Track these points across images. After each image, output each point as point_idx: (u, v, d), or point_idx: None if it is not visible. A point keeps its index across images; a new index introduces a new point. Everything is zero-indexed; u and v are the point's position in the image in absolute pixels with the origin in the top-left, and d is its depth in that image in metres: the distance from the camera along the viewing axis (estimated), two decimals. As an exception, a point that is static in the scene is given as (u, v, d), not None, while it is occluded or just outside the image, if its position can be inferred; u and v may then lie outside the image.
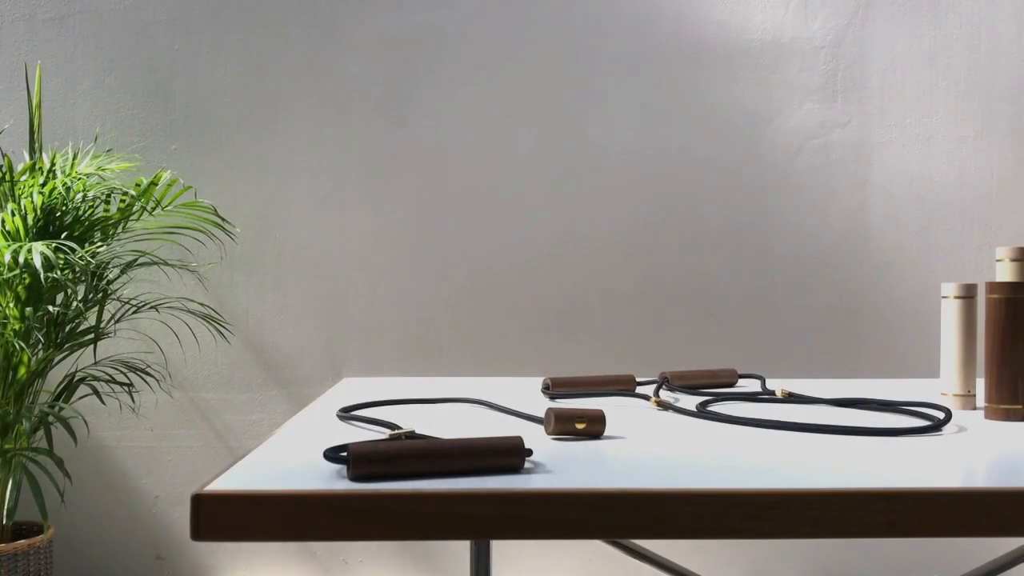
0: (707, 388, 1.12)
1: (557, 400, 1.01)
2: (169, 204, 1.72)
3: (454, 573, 1.99)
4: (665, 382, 1.10)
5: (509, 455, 0.59)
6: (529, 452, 0.62)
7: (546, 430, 0.74)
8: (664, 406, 0.93)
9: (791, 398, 1.02)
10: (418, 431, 0.71)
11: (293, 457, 0.67)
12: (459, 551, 1.99)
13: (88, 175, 1.64)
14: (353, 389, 1.14)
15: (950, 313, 0.96)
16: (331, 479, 0.58)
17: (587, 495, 0.56)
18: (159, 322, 1.85)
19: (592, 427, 0.74)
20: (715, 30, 2.06)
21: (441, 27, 2.01)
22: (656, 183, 2.04)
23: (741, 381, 1.21)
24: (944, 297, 0.97)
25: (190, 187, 1.76)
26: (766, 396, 1.04)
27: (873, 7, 2.07)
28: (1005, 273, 0.95)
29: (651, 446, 0.73)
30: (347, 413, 0.86)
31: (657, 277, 2.03)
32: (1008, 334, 0.87)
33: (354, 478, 0.57)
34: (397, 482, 0.57)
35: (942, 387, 0.98)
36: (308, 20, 2.00)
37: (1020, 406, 0.88)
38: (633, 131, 2.04)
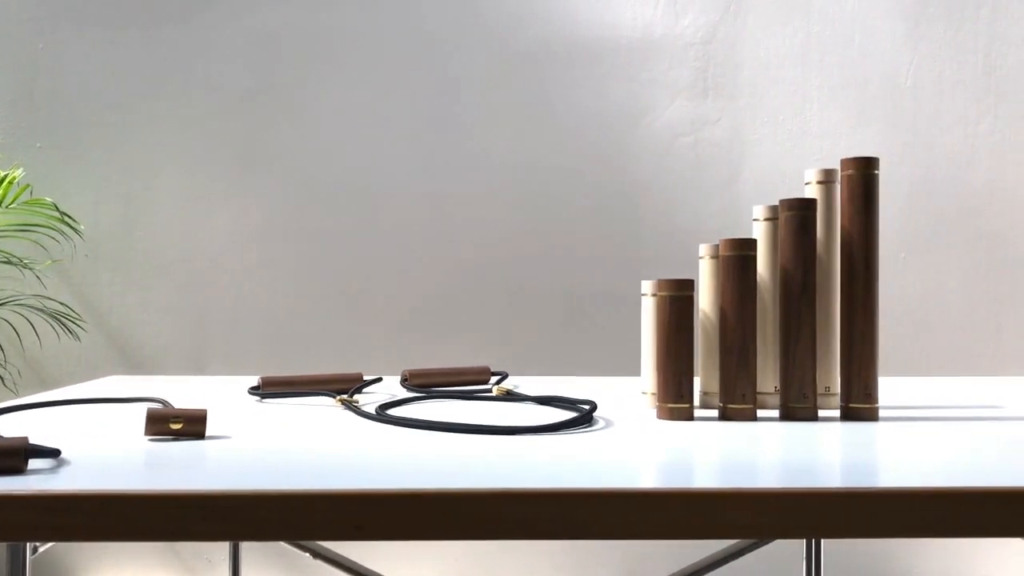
0: (450, 386, 1.12)
1: (267, 400, 1.02)
2: (12, 202, 1.73)
3: (321, 571, 2.00)
4: (403, 380, 1.10)
5: (8, 457, 0.60)
6: (55, 453, 0.62)
7: (144, 431, 0.74)
8: (347, 405, 0.92)
9: (508, 396, 1.02)
10: (42, 433, 0.72)
11: None
12: (338, 548, 1.99)
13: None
14: (104, 386, 1.15)
15: (647, 311, 0.95)
16: None
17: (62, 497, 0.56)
18: (4, 321, 1.86)
19: (191, 427, 0.74)
20: (585, 28, 2.06)
21: (307, 27, 2.02)
22: (526, 182, 2.04)
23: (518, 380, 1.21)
24: (643, 295, 0.96)
25: (28, 185, 1.77)
26: (483, 394, 1.04)
27: (744, 4, 2.06)
28: (705, 270, 0.95)
29: (253, 446, 0.73)
30: None
31: (528, 277, 2.03)
32: (672, 332, 0.87)
33: None
34: None
35: (641, 385, 0.97)
36: (174, 19, 2.00)
37: (686, 405, 0.87)
38: (502, 130, 2.04)
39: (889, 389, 1.11)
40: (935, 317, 2.06)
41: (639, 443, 0.76)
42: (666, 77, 2.07)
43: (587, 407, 0.85)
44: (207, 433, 0.76)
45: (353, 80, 2.02)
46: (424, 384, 1.09)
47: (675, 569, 1.30)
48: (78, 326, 1.86)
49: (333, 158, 2.02)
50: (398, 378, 1.13)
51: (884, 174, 2.08)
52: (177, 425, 0.73)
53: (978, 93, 2.08)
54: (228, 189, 2.02)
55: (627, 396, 1.06)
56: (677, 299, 0.87)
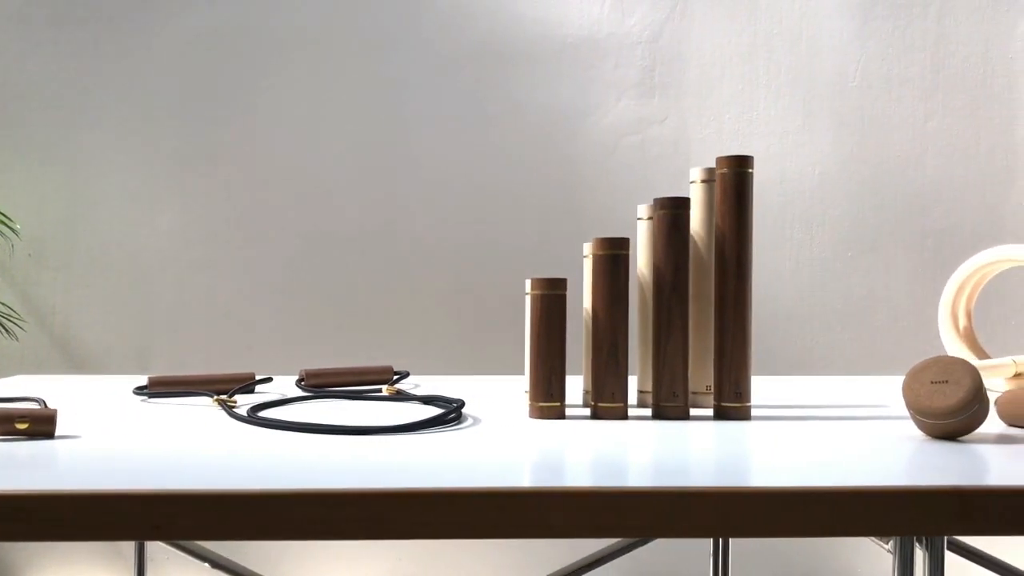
0: (348, 386, 1.12)
1: (154, 399, 1.01)
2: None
3: (265, 568, 2.00)
4: (299, 380, 1.10)
5: None
6: None
7: (-5, 430, 0.74)
8: (222, 406, 0.92)
9: (397, 396, 1.02)
10: None
11: None
12: (272, 549, 1.99)
13: None
14: (6, 387, 1.15)
15: (528, 310, 0.95)
16: None
17: None
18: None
19: (38, 427, 0.74)
20: (531, 27, 2.05)
21: (251, 25, 2.01)
22: (472, 181, 2.04)
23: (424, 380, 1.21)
24: (527, 293, 0.96)
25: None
26: (373, 394, 1.03)
27: (690, 2, 2.06)
28: (588, 267, 0.95)
29: (100, 446, 0.73)
30: None
31: (474, 276, 2.02)
32: (543, 330, 0.86)
33: None
34: None
35: (525, 384, 0.97)
36: (117, 17, 2.00)
37: (556, 404, 0.87)
38: (448, 129, 2.04)
39: (785, 388, 1.10)
40: (881, 316, 2.06)
41: (495, 442, 0.76)
42: (612, 76, 2.06)
43: (454, 406, 0.84)
44: (57, 433, 0.76)
45: (296, 79, 2.02)
46: (320, 384, 1.09)
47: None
48: (17, 325, 1.86)
49: (276, 158, 2.02)
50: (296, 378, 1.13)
51: (831, 173, 2.09)
52: (23, 425, 0.73)
53: (926, 91, 2.08)
54: (171, 188, 2.01)
55: (521, 396, 1.05)
56: (547, 297, 0.87)
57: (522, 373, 0.97)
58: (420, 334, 2.01)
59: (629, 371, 0.87)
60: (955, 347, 1.14)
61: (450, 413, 0.82)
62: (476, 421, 0.85)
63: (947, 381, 0.75)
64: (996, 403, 0.85)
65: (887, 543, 0.87)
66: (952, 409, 0.74)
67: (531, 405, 0.87)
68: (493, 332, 2.00)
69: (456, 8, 2.04)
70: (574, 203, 2.04)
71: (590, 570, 1.14)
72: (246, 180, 2.02)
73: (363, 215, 2.02)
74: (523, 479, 0.66)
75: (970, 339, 1.15)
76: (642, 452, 0.74)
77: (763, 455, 0.73)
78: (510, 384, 1.18)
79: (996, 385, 1.09)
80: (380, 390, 1.05)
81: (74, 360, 2.00)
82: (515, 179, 2.04)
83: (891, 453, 0.72)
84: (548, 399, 0.86)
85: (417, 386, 1.14)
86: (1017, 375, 1.07)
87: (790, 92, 2.07)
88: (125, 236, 2.01)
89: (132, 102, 2.01)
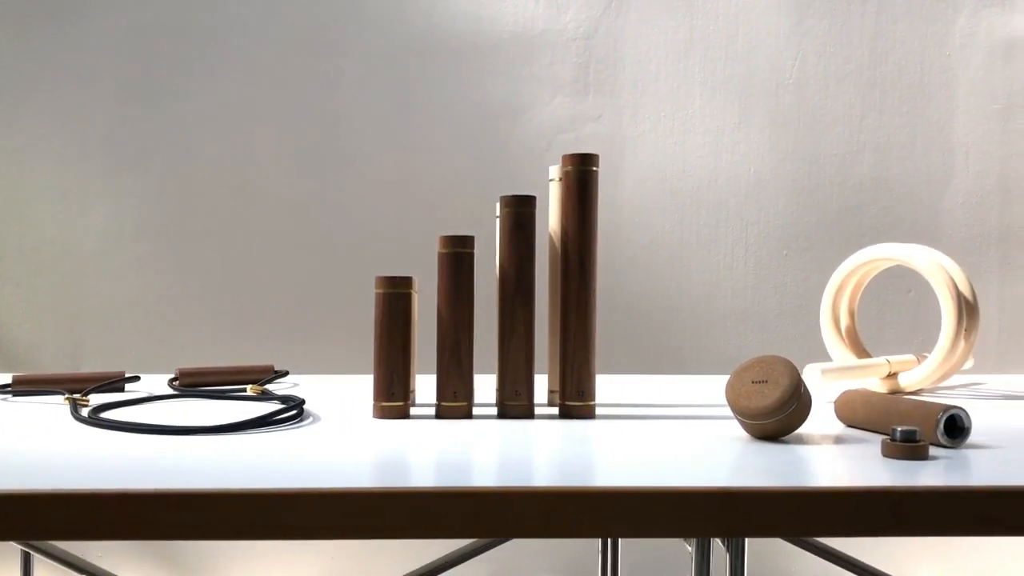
0: (225, 385, 1.11)
1: (17, 397, 1.01)
2: None
3: (196, 566, 2.00)
4: (171, 380, 1.10)
5: None
6: None
7: None
8: (71, 404, 0.92)
9: (261, 395, 1.01)
10: None
11: None
12: (203, 547, 1.99)
13: None
14: None
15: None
16: None
17: None
18: None
19: None
20: (464, 23, 2.05)
21: (184, 21, 2.01)
22: (402, 180, 2.03)
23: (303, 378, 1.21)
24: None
25: None
26: (237, 393, 1.03)
27: (626, -1, 2.05)
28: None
29: None
30: None
31: (411, 273, 2.01)
32: (386, 330, 0.86)
33: None
34: None
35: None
36: (45, 14, 2.00)
37: (399, 403, 0.87)
38: (380, 127, 2.03)
39: (643, 387, 1.10)
40: (816, 315, 2.05)
41: (324, 442, 0.75)
42: (547, 73, 2.05)
43: (286, 406, 0.84)
44: None
45: (227, 76, 2.01)
46: (194, 383, 1.09)
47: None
48: (-58, 322, 1.85)
49: (212, 152, 2.02)
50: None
51: (767, 171, 2.08)
52: None
53: (863, 88, 2.07)
54: (103, 186, 2.01)
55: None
56: (390, 296, 0.86)
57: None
58: (360, 334, 2.01)
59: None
60: (836, 347, 1.13)
61: (279, 413, 0.81)
62: (316, 420, 0.85)
63: (767, 381, 0.75)
64: (834, 404, 0.84)
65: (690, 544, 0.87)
66: (768, 409, 0.74)
67: (373, 405, 0.87)
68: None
69: (389, 3, 2.04)
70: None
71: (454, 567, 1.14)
72: (179, 177, 2.01)
73: (294, 212, 2.02)
74: (315, 481, 0.65)
75: (852, 338, 1.14)
76: (467, 451, 0.73)
77: (577, 454, 0.72)
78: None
79: (872, 384, 1.09)
80: (245, 389, 1.04)
81: (7, 359, 1.99)
82: (448, 176, 2.04)
83: (709, 454, 0.72)
84: (390, 399, 0.86)
85: (296, 385, 1.14)
86: (891, 375, 1.07)
87: (726, 90, 2.06)
88: (56, 233, 2.00)
89: (62, 99, 2.00)
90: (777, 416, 0.74)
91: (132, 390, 1.06)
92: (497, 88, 2.05)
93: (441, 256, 0.86)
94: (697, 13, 2.06)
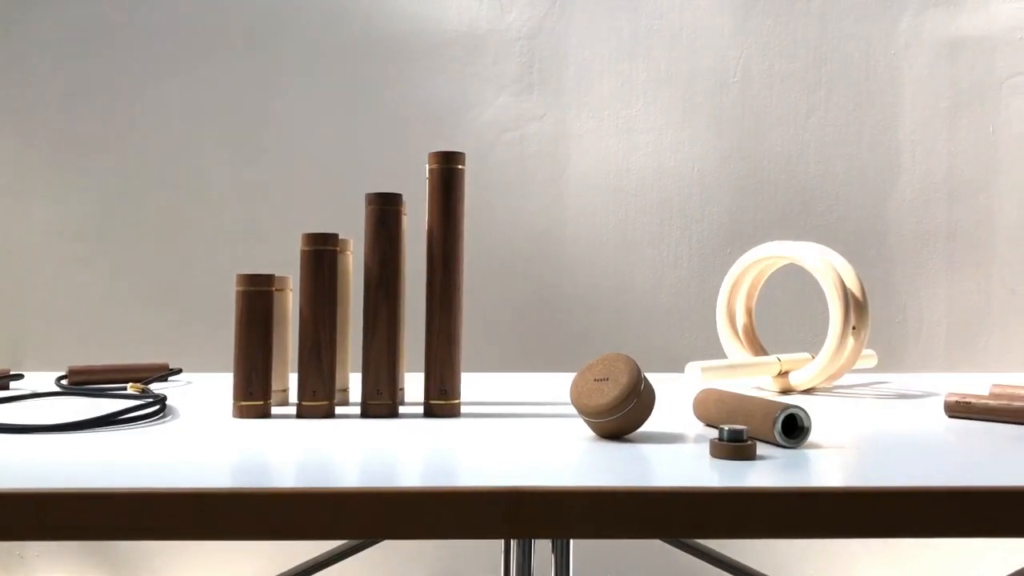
0: (115, 383, 1.11)
1: None
2: None
3: (133, 566, 1.99)
4: (59, 378, 1.09)
5: None
6: None
7: None
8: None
9: (141, 393, 1.01)
10: None
11: None
12: (141, 547, 1.99)
13: None
14: None
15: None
16: None
17: None
18: None
19: None
20: (408, 21, 2.04)
21: (125, 20, 2.00)
22: (346, 178, 2.03)
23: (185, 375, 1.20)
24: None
25: None
26: (117, 392, 1.03)
27: (569, -3, 2.04)
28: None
29: None
30: None
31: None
32: (245, 328, 0.86)
33: None
34: None
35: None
36: (-13, 14, 1.99)
37: (258, 402, 0.86)
38: (322, 127, 2.03)
39: (538, 384, 1.09)
40: (761, 312, 2.04)
41: (177, 441, 0.75)
42: (491, 71, 2.05)
43: (134, 405, 0.83)
44: None
45: (168, 75, 2.01)
46: (83, 381, 1.08)
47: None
48: None
49: (153, 151, 2.01)
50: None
51: (711, 169, 2.08)
52: None
53: (808, 87, 2.06)
54: (47, 181, 2.01)
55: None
56: (249, 294, 0.86)
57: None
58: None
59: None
60: (731, 345, 1.13)
61: (128, 411, 0.81)
62: (175, 419, 0.84)
63: (607, 379, 0.74)
64: (692, 402, 0.84)
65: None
66: (607, 407, 0.73)
67: (233, 404, 0.86)
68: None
69: (330, 2, 2.03)
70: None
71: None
72: (121, 176, 2.01)
73: (233, 211, 2.01)
74: (153, 480, 0.65)
75: (750, 337, 1.13)
76: (318, 451, 0.73)
77: (425, 454, 0.71)
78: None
79: (764, 383, 1.08)
80: (126, 387, 1.04)
81: (-54, 356, 1.99)
82: (391, 175, 2.03)
83: (547, 454, 0.71)
84: (248, 398, 0.85)
85: (190, 383, 1.13)
86: (782, 373, 1.06)
87: (670, 88, 2.06)
88: (-1, 232, 2.00)
89: (5, 96, 2.00)
90: (616, 414, 0.73)
91: (17, 388, 1.06)
92: (441, 87, 2.05)
93: (302, 254, 0.86)
94: (641, 12, 2.06)
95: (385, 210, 0.86)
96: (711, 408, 0.80)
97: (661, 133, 2.05)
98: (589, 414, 0.74)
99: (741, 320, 1.12)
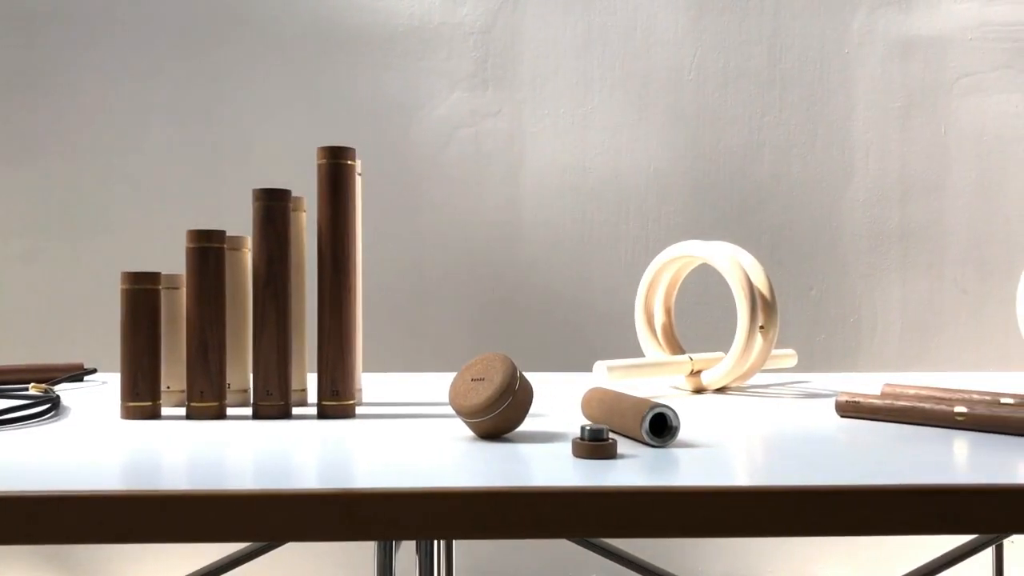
0: (29, 382, 1.10)
1: None
2: None
3: (88, 568, 1.99)
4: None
5: None
6: None
7: None
8: None
9: (43, 394, 1.00)
10: None
11: None
12: (94, 549, 1.97)
13: None
14: None
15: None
16: None
17: None
18: None
19: None
20: (359, 15, 2.03)
21: (70, 11, 1.99)
22: (299, 174, 2.01)
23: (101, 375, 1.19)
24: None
25: None
26: (13, 392, 1.02)
27: (524, -7, 2.03)
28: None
29: None
30: None
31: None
32: (130, 327, 0.85)
33: None
34: None
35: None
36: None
37: (145, 403, 0.85)
38: (272, 121, 2.01)
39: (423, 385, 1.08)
40: (715, 311, 2.04)
41: (60, 443, 0.74)
42: (445, 67, 2.04)
43: (47, 405, 0.83)
44: None
45: (116, 68, 2.00)
46: (-6, 379, 1.07)
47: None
48: None
49: (101, 146, 2.00)
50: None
51: (666, 167, 2.07)
52: None
53: (763, 85, 2.06)
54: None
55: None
56: (135, 292, 0.85)
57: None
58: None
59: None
60: (648, 344, 1.12)
61: (7, 411, 0.80)
62: (66, 417, 0.84)
63: (484, 379, 0.74)
64: (580, 402, 0.83)
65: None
66: (480, 407, 0.73)
67: (120, 405, 0.86)
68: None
69: (283, -2, 2.02)
70: (407, 197, 2.02)
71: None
72: (68, 172, 2.00)
73: (182, 207, 2.00)
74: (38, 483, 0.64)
75: (668, 336, 1.13)
76: (184, 452, 0.72)
77: (305, 455, 0.71)
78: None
79: (679, 382, 1.07)
80: (27, 388, 1.03)
81: None
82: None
83: (425, 455, 0.70)
84: (135, 399, 0.85)
85: (105, 383, 1.12)
86: (695, 373, 1.06)
87: (625, 86, 2.05)
88: (-54, 227, 1.99)
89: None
90: (490, 414, 0.73)
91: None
92: (393, 82, 2.03)
93: (188, 251, 0.85)
94: (595, 8, 2.05)
95: (271, 206, 0.86)
96: (594, 407, 0.80)
97: (616, 131, 2.05)
98: (465, 414, 0.74)
99: (660, 319, 1.11)
